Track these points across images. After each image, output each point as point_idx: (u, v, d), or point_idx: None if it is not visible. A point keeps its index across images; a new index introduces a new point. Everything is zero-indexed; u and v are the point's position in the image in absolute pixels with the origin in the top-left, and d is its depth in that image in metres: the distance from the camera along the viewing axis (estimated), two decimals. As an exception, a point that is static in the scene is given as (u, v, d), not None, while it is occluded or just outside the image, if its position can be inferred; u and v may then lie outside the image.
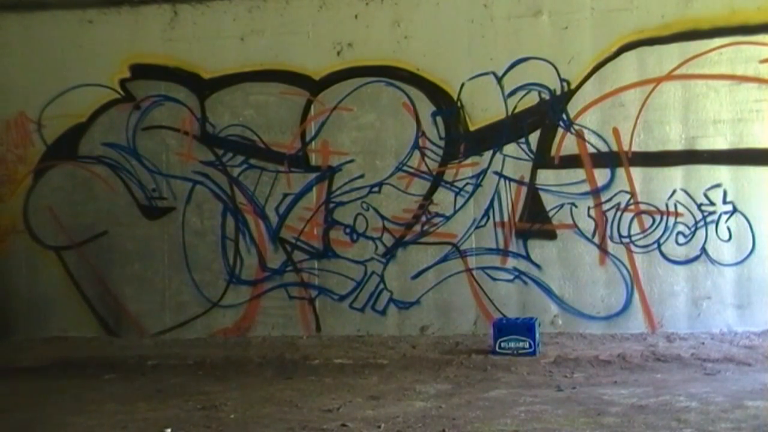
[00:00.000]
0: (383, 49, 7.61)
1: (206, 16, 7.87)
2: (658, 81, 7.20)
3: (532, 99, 7.34)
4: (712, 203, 7.13)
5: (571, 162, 7.35)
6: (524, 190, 7.40)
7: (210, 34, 7.86)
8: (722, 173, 7.14)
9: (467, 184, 7.50)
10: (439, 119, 7.56)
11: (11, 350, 7.58)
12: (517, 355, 6.56)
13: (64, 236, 8.10)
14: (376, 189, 7.66)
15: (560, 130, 7.35)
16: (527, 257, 7.40)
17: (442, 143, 7.56)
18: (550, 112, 7.37)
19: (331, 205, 7.75)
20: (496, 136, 7.42)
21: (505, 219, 7.46)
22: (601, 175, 7.30)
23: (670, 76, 7.17)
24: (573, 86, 7.31)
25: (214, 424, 5.09)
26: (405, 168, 7.61)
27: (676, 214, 7.18)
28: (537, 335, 6.70)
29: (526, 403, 5.23)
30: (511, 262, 7.45)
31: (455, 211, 7.53)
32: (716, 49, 7.10)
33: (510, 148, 7.42)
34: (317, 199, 7.77)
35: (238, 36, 7.82)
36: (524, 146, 7.40)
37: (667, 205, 7.21)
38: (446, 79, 7.50)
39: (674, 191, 7.18)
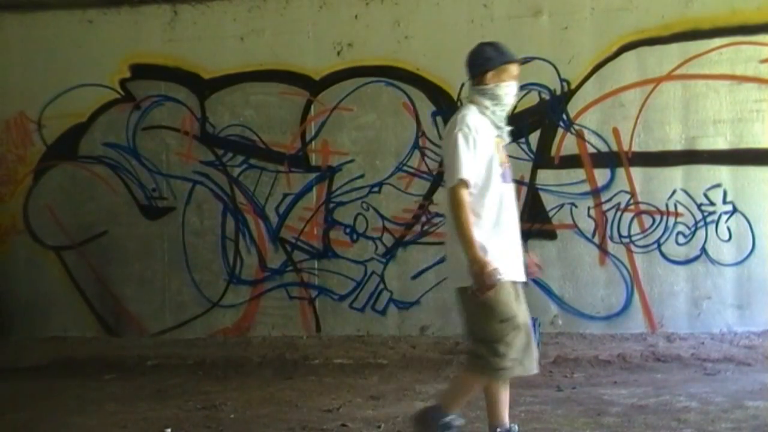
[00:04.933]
0: (383, 49, 7.60)
1: (206, 16, 7.87)
2: (658, 81, 7.20)
3: (532, 99, 7.34)
4: (712, 203, 7.13)
5: (571, 162, 7.35)
6: (524, 190, 7.39)
7: (210, 34, 7.86)
8: (722, 173, 7.14)
9: (467, 184, 7.49)
10: (439, 119, 7.56)
11: (11, 350, 7.57)
12: (517, 355, 6.54)
13: (64, 236, 8.10)
14: (376, 189, 7.66)
15: (560, 130, 7.35)
16: (527, 257, 7.38)
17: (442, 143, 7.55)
18: (550, 112, 7.37)
19: (331, 205, 7.75)
20: (496, 136, 7.40)
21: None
22: (601, 175, 7.30)
23: (670, 76, 7.17)
24: (573, 86, 7.31)
25: (214, 424, 5.09)
26: (405, 168, 7.62)
27: (676, 214, 7.18)
28: (537, 335, 6.68)
29: (526, 403, 5.23)
30: (511, 262, 7.43)
31: (455, 211, 7.51)
32: (716, 49, 7.09)
33: (510, 148, 7.31)
34: (317, 199, 7.77)
35: (238, 36, 7.82)
36: (524, 146, 7.40)
37: (667, 205, 7.21)
38: (446, 79, 7.50)
39: (674, 191, 7.18)
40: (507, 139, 4.16)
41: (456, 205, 3.92)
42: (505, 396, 4.11)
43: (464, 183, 3.90)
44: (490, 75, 4.05)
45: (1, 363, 7.09)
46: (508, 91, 4.07)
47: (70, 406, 5.66)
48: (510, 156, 7.45)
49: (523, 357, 3.95)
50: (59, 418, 5.35)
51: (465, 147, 3.93)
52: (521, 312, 3.97)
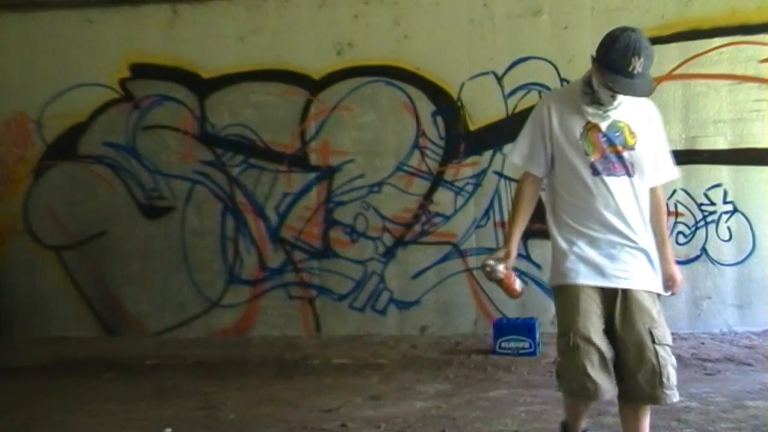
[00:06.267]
0: (383, 48, 7.60)
1: (206, 16, 7.86)
2: (658, 81, 7.18)
3: (532, 99, 7.32)
4: (712, 203, 7.13)
5: (571, 162, 7.33)
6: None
7: (210, 34, 7.85)
8: (722, 173, 7.14)
9: (467, 183, 7.50)
10: (439, 119, 7.56)
11: (11, 350, 7.57)
12: (517, 355, 6.55)
13: (63, 236, 8.10)
14: (376, 188, 7.66)
15: (560, 130, 7.33)
16: (527, 257, 7.38)
17: (442, 143, 7.55)
18: (550, 112, 7.35)
19: (331, 205, 7.75)
20: (496, 135, 7.41)
21: (506, 219, 7.45)
22: (602, 175, 7.29)
23: (670, 76, 7.17)
24: (573, 86, 7.30)
25: (214, 424, 5.09)
26: (405, 168, 7.61)
27: (677, 214, 7.18)
28: (537, 335, 6.69)
29: (527, 403, 5.23)
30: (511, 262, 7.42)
31: (455, 211, 7.53)
32: (716, 49, 7.10)
33: (510, 148, 7.38)
34: (317, 199, 7.77)
35: (238, 36, 7.81)
36: (524, 146, 7.38)
37: (667, 205, 7.14)
38: (446, 79, 7.50)
39: (674, 191, 7.16)
40: (607, 121, 3.51)
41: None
42: (576, 411, 3.72)
43: (522, 170, 3.71)
44: (595, 69, 3.48)
45: (1, 363, 7.09)
46: (599, 91, 3.46)
47: (70, 406, 5.65)
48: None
49: (576, 377, 3.46)
50: (59, 418, 5.35)
51: (527, 129, 3.68)
52: (582, 326, 3.45)
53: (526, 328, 6.66)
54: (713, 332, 7.04)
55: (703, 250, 7.14)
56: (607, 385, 3.46)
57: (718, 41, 7.08)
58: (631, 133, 3.50)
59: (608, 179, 3.49)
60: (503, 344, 6.65)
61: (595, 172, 3.49)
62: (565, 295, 3.53)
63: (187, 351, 7.31)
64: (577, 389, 3.50)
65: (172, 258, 7.94)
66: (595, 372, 3.43)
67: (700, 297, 7.15)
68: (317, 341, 7.52)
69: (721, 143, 7.14)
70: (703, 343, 6.75)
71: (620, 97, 3.43)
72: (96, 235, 8.05)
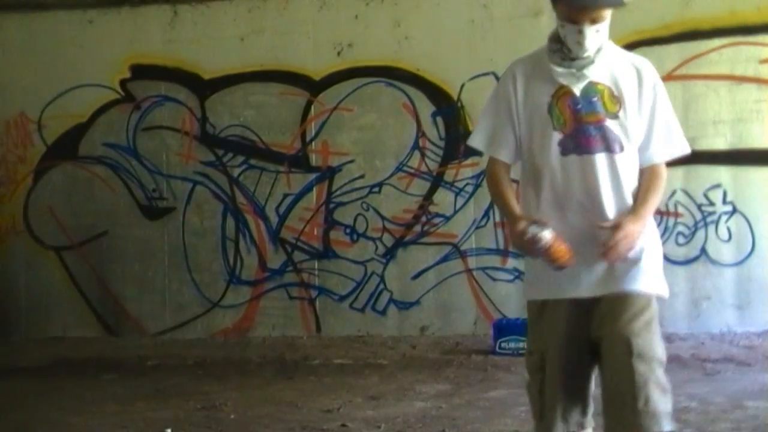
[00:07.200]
0: (383, 49, 7.61)
1: (206, 17, 7.87)
2: (658, 81, 7.19)
3: (532, 99, 7.34)
4: (712, 203, 7.13)
5: (571, 162, 7.32)
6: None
7: (210, 35, 7.86)
8: (722, 173, 7.14)
9: (467, 184, 7.50)
10: (439, 119, 7.56)
11: (11, 350, 7.57)
12: (517, 355, 6.54)
13: (64, 236, 8.10)
14: (376, 189, 7.66)
15: (560, 131, 7.33)
16: (527, 257, 7.38)
17: (442, 143, 7.56)
18: (550, 113, 7.35)
19: (332, 206, 7.76)
20: (496, 136, 7.40)
21: (505, 219, 7.44)
22: (601, 176, 7.28)
23: (670, 77, 7.16)
24: (573, 87, 7.29)
25: (214, 424, 5.09)
26: (405, 168, 7.62)
27: (676, 215, 7.18)
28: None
29: (526, 403, 5.18)
30: (511, 263, 7.44)
31: (455, 212, 7.53)
32: (716, 50, 7.10)
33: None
34: (317, 200, 7.78)
35: (238, 36, 7.82)
36: (524, 146, 7.38)
37: (667, 206, 7.19)
38: (446, 80, 7.50)
39: (674, 191, 7.17)
40: (582, 82, 2.84)
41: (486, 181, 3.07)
42: None
43: (487, 155, 3.05)
44: (556, 9, 2.85)
45: (1, 363, 7.09)
46: (566, 33, 2.79)
47: (70, 406, 5.65)
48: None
49: (536, 403, 2.94)
50: (59, 418, 5.34)
51: (490, 106, 2.98)
52: (553, 346, 2.90)
53: (526, 328, 6.64)
54: (713, 332, 7.03)
55: (703, 250, 7.13)
56: (572, 418, 2.94)
57: (717, 42, 7.08)
58: (613, 98, 2.85)
59: (582, 159, 2.81)
60: (503, 344, 6.65)
61: (565, 151, 2.82)
62: (535, 308, 2.97)
63: (188, 351, 7.31)
64: (536, 416, 2.96)
65: (172, 258, 7.94)
66: (560, 401, 2.89)
67: (699, 297, 7.15)
68: (317, 341, 7.53)
69: (721, 144, 7.14)
70: (702, 344, 6.75)
71: (592, 42, 2.77)
72: (96, 235, 8.06)
